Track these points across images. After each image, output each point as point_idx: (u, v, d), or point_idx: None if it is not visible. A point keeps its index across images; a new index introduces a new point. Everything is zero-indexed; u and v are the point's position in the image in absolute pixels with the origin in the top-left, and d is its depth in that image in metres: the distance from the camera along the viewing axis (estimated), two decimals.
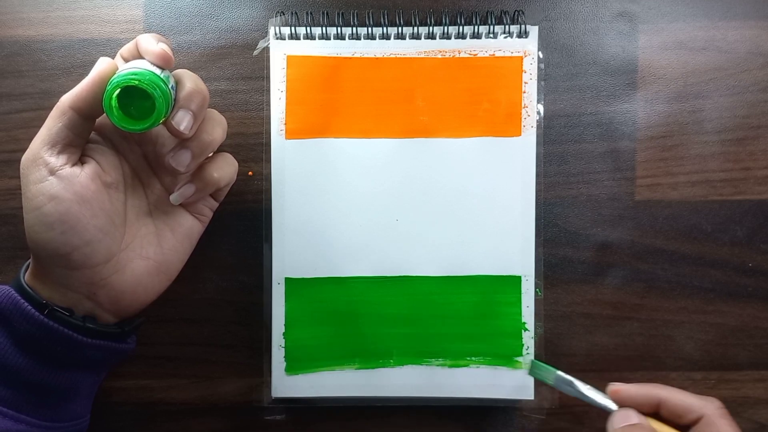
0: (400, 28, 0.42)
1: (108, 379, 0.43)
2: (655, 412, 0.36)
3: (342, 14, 0.42)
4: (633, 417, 0.36)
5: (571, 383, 0.39)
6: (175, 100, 0.35)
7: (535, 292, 0.43)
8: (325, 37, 0.42)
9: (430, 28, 0.42)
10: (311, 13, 0.42)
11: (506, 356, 0.43)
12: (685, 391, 0.36)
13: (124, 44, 0.38)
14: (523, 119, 0.42)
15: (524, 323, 0.43)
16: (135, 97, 0.34)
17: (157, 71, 0.34)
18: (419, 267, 0.43)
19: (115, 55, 0.38)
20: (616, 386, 0.37)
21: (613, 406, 0.37)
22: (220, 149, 0.40)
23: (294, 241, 0.43)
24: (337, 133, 0.42)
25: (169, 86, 0.34)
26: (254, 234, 0.43)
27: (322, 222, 0.43)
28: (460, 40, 0.42)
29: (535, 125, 0.43)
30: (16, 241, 0.43)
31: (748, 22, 0.43)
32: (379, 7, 0.43)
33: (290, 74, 0.42)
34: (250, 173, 0.43)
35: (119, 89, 0.33)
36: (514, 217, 0.43)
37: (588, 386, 0.38)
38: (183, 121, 0.35)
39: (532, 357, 0.43)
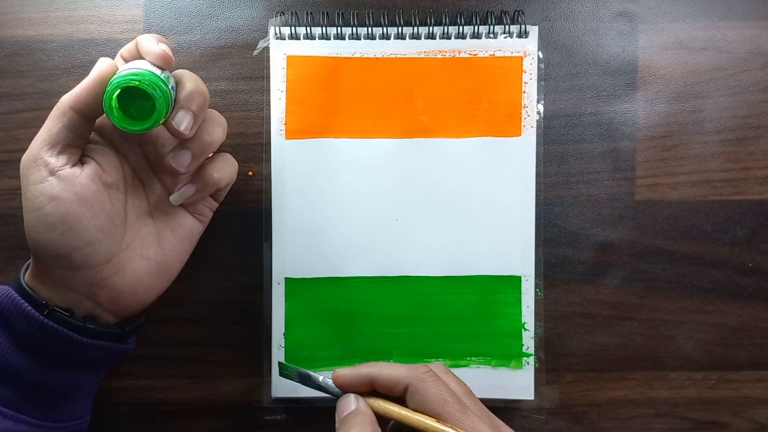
0: (400, 28, 0.42)
1: (108, 379, 0.43)
2: (374, 390, 0.36)
3: (342, 14, 0.42)
4: (352, 404, 0.35)
5: (308, 377, 0.37)
6: (175, 100, 0.35)
7: (535, 292, 0.43)
8: (325, 37, 0.42)
9: (430, 28, 0.42)
10: (311, 13, 0.42)
11: (506, 356, 0.43)
12: (394, 364, 0.36)
13: (124, 44, 0.38)
14: (523, 119, 0.42)
15: (524, 323, 0.43)
16: (135, 97, 0.34)
17: (158, 72, 0.34)
18: (419, 267, 0.43)
19: (115, 56, 0.38)
20: (335, 372, 0.36)
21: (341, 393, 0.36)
22: (220, 149, 0.40)
23: (294, 241, 0.43)
24: (337, 133, 0.42)
25: (170, 87, 0.34)
26: (254, 234, 0.43)
27: (322, 222, 0.43)
28: (460, 40, 0.42)
29: (535, 125, 0.43)
30: (16, 241, 0.43)
31: (748, 22, 0.43)
32: (379, 7, 0.43)
33: (290, 74, 0.42)
34: (250, 173, 0.43)
35: (119, 90, 0.33)
36: (514, 217, 0.43)
37: (323, 377, 0.37)
38: (183, 121, 0.35)
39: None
